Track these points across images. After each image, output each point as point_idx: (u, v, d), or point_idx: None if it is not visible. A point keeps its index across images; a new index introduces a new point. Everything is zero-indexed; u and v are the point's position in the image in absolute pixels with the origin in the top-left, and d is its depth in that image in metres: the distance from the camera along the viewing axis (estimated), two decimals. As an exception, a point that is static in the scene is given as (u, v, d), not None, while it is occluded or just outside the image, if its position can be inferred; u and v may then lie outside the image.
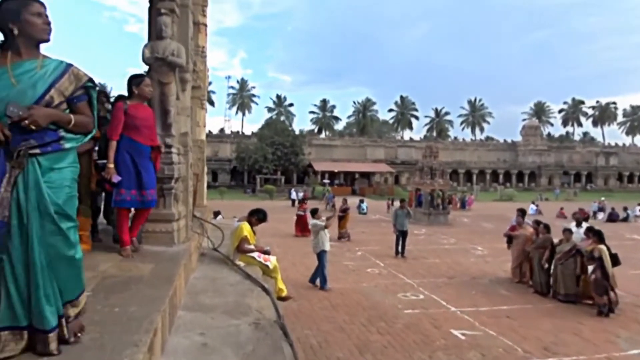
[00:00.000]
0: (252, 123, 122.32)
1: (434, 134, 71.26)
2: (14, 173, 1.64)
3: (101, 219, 4.65)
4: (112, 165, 3.35)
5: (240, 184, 47.74)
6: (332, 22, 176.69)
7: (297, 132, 52.01)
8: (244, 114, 71.06)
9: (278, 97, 70.19)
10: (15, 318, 1.63)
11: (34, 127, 1.63)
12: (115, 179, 3.33)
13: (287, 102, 70.25)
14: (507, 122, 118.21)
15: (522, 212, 9.86)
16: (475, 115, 74.23)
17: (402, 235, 12.08)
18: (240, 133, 57.90)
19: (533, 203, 29.00)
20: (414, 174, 26.47)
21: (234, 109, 69.66)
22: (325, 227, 8.81)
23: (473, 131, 74.33)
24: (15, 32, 1.68)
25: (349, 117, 73.53)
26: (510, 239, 9.69)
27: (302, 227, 15.75)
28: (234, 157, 47.70)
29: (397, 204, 25.40)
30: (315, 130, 68.52)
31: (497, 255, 11.92)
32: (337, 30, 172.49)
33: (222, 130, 58.79)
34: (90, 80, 1.85)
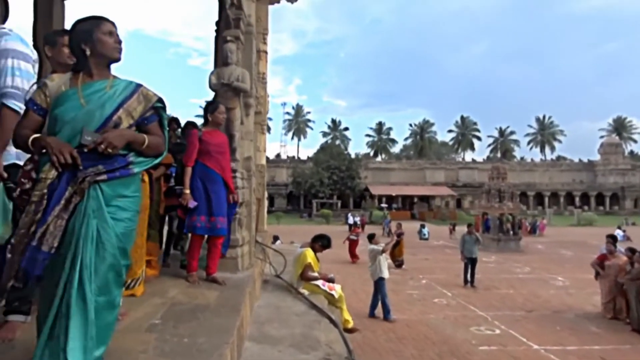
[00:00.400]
0: (307, 148, 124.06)
1: (498, 154, 68.03)
2: (74, 200, 1.54)
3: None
4: (188, 191, 3.39)
5: (296, 208, 48.21)
6: (384, 46, 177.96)
7: (352, 156, 51.95)
8: (299, 139, 72.46)
9: (333, 121, 70.96)
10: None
11: (110, 151, 1.56)
12: (192, 204, 3.36)
13: (342, 126, 70.76)
14: (581, 140, 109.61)
15: (613, 239, 8.82)
16: (545, 134, 69.95)
17: (471, 262, 11.30)
18: (296, 158, 58.95)
19: (619, 228, 26.10)
20: (480, 197, 25.18)
21: (290, 134, 71.31)
22: (383, 251, 8.44)
23: (542, 151, 70.00)
24: (88, 52, 1.68)
25: (405, 139, 72.51)
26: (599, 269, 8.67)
27: (354, 253, 15.30)
28: (290, 182, 48.45)
29: (459, 228, 24.33)
30: (372, 154, 68.14)
31: (582, 287, 10.75)
32: (390, 54, 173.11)
33: (278, 155, 60.27)
34: (160, 100, 1.79)
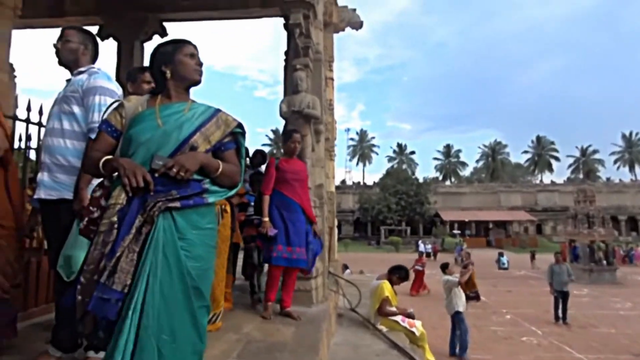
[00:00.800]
0: (372, 173, 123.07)
1: (581, 175, 62.49)
2: (144, 229, 1.38)
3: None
4: (267, 219, 3.33)
5: (364, 235, 47.47)
6: (449, 68, 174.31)
7: (420, 180, 50.49)
8: (364, 165, 72.14)
9: (399, 145, 69.98)
10: None
11: (182, 175, 1.43)
12: (272, 232, 3.29)
13: (408, 150, 69.52)
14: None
15: None
16: (633, 152, 63.32)
17: (562, 296, 10.14)
18: (362, 184, 58.57)
19: None
20: (564, 222, 23.05)
21: (355, 160, 71.37)
22: (459, 283, 7.80)
23: (632, 170, 63.14)
24: (168, 74, 1.62)
25: (476, 162, 69.37)
26: None
27: (419, 283, 14.30)
28: (357, 208, 48.00)
29: (540, 257, 22.25)
30: (440, 178, 65.86)
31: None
32: (455, 76, 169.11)
33: (343, 181, 60.26)
34: (240, 125, 1.67)
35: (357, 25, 7.17)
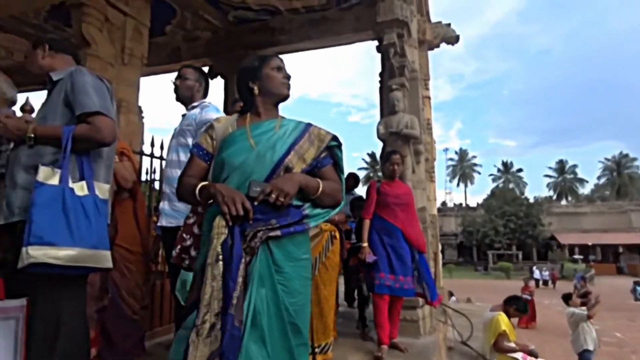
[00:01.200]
0: (475, 194, 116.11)
1: None
2: (244, 261, 1.30)
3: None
4: (365, 244, 3.22)
5: (469, 260, 44.44)
6: (554, 77, 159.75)
7: (531, 200, 46.10)
8: (466, 185, 68.29)
9: (504, 163, 65.12)
10: None
11: (282, 200, 1.34)
12: (370, 258, 3.17)
13: (514, 168, 64.33)
14: None
15: None
16: None
17: None
18: (465, 205, 55.31)
19: None
20: None
21: (455, 181, 68.00)
22: (589, 317, 6.69)
23: None
24: (255, 91, 1.56)
25: (597, 178, 61.46)
26: None
27: (530, 316, 12.54)
28: (460, 231, 45.30)
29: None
30: (554, 197, 59.51)
31: None
32: (562, 85, 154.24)
33: (444, 203, 57.57)
34: (335, 138, 1.56)
35: (453, 39, 6.90)
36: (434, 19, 7.08)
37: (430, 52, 7.69)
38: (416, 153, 4.54)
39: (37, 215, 1.53)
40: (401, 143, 4.19)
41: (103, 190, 1.74)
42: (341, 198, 1.53)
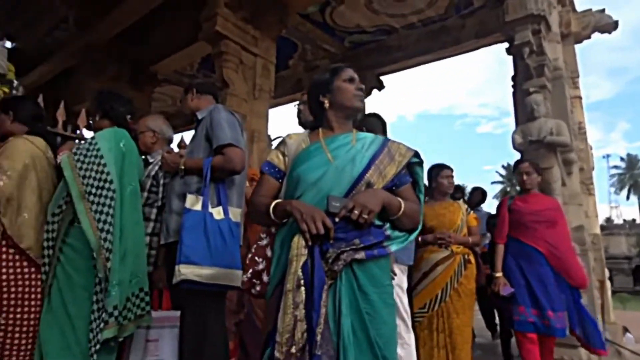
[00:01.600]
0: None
1: None
2: (326, 287, 1.16)
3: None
4: (500, 274, 2.82)
5: (649, 287, 36.68)
6: None
7: None
8: (638, 198, 57.16)
9: (693, 169, 53.01)
10: None
11: (365, 217, 1.20)
12: (505, 291, 2.74)
13: None
14: None
15: None
16: None
17: None
18: (638, 221, 46.15)
19: None
20: None
21: (623, 192, 57.43)
22: None
23: None
24: (326, 104, 1.47)
25: None
26: None
27: None
28: (635, 254, 37.77)
29: None
30: None
31: None
32: None
33: (609, 220, 48.90)
34: (417, 154, 1.43)
35: (610, 27, 5.89)
36: (581, 7, 6.19)
37: (578, 46, 6.74)
38: (566, 163, 3.95)
39: (186, 238, 1.77)
40: (544, 152, 3.70)
41: (236, 214, 1.95)
42: (419, 221, 1.39)
